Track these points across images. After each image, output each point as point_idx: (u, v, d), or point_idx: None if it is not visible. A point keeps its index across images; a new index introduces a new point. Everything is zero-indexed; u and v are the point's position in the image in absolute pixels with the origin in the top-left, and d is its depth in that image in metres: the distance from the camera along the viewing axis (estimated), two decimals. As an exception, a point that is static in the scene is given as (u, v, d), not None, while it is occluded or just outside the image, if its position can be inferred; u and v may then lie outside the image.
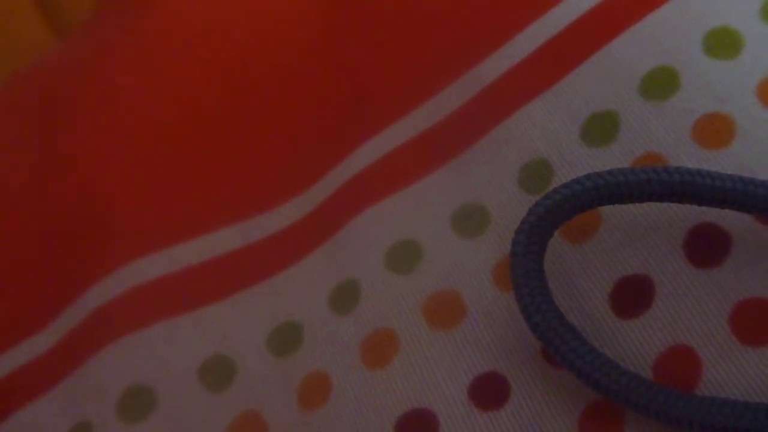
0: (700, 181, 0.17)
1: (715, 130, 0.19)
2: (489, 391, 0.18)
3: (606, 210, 0.19)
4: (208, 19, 0.25)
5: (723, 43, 0.20)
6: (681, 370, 0.18)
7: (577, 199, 0.17)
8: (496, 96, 0.22)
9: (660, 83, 0.20)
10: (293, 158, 0.23)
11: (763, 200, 0.17)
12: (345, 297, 0.20)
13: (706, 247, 0.18)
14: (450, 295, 0.20)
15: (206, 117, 0.24)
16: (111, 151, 0.24)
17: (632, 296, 0.18)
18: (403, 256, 0.20)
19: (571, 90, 0.21)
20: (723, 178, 0.17)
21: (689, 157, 0.19)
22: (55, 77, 0.26)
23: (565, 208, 0.17)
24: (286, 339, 0.20)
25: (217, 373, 0.20)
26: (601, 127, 0.20)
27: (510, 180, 0.21)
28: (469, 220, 0.20)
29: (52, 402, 0.21)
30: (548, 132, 0.21)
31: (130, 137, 0.24)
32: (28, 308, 0.23)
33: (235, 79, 0.24)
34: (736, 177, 0.17)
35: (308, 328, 0.20)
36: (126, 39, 0.26)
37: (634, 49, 0.21)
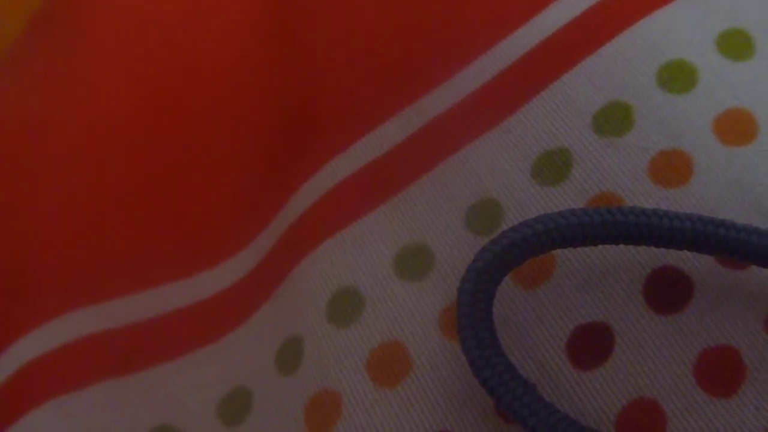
0: (657, 222, 0.16)
1: (672, 167, 0.18)
2: None
3: (560, 253, 0.18)
4: (143, 45, 0.24)
5: (677, 76, 0.20)
6: (645, 425, 0.17)
7: (527, 243, 0.16)
8: (441, 131, 0.21)
9: (613, 119, 0.19)
10: (240, 204, 0.22)
11: (723, 241, 0.16)
12: (290, 356, 0.19)
13: (666, 292, 0.18)
14: (394, 347, 0.19)
15: (144, 155, 0.23)
16: (42, 192, 0.22)
17: (590, 346, 0.18)
18: (344, 307, 0.19)
19: (520, 126, 0.20)
20: (681, 218, 0.16)
21: (646, 196, 0.18)
22: None
23: (515, 254, 0.16)
24: (236, 407, 0.19)
25: None
26: (552, 165, 0.19)
27: (456, 220, 0.19)
28: (413, 263, 0.19)
29: None
30: (497, 170, 0.20)
31: (62, 176, 0.23)
32: None
33: (173, 112, 0.23)
34: (694, 217, 0.16)
35: (256, 392, 0.19)
36: (55, 66, 0.24)
37: (586, 84, 0.20)
